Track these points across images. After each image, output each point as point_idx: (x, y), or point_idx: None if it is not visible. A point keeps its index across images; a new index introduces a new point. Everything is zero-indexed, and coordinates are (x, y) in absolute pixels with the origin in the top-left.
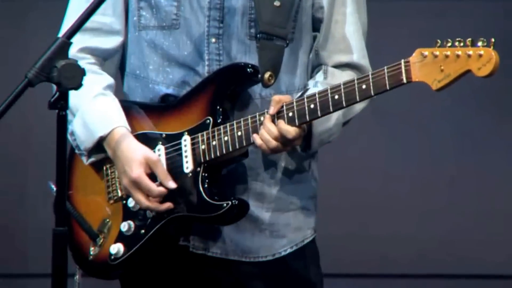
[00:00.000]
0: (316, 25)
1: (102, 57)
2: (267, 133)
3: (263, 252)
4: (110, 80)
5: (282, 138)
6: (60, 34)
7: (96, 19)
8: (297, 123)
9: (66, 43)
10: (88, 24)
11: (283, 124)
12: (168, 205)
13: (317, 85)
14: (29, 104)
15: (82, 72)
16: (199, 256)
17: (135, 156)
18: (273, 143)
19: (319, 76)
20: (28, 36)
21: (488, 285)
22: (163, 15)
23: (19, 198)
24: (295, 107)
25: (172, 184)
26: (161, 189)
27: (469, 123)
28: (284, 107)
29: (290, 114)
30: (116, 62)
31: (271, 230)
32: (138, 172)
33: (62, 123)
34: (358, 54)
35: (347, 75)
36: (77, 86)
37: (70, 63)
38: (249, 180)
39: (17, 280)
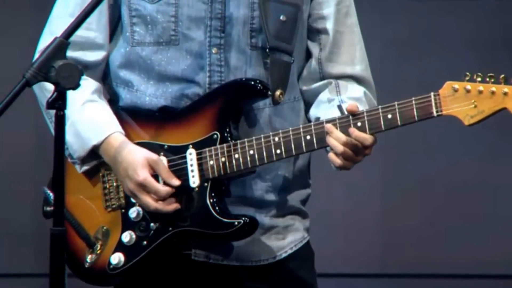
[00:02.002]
0: (312, 35)
1: (84, 66)
2: (336, 140)
3: (264, 256)
4: (96, 84)
5: (353, 146)
6: (44, 36)
7: (80, 34)
8: (368, 132)
9: (64, 43)
10: (72, 38)
11: (357, 132)
12: (175, 205)
13: (332, 102)
14: (29, 104)
15: (80, 72)
16: (200, 263)
17: (138, 159)
18: (341, 148)
19: (332, 91)
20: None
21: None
22: (160, 32)
23: (19, 198)
24: (365, 117)
25: (175, 182)
26: (168, 188)
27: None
28: (351, 117)
29: (359, 124)
30: (98, 74)
31: (271, 233)
32: (144, 174)
33: (61, 122)
34: (361, 65)
35: (357, 90)
36: (75, 86)
37: (67, 63)
38: (250, 189)
39: (17, 280)
